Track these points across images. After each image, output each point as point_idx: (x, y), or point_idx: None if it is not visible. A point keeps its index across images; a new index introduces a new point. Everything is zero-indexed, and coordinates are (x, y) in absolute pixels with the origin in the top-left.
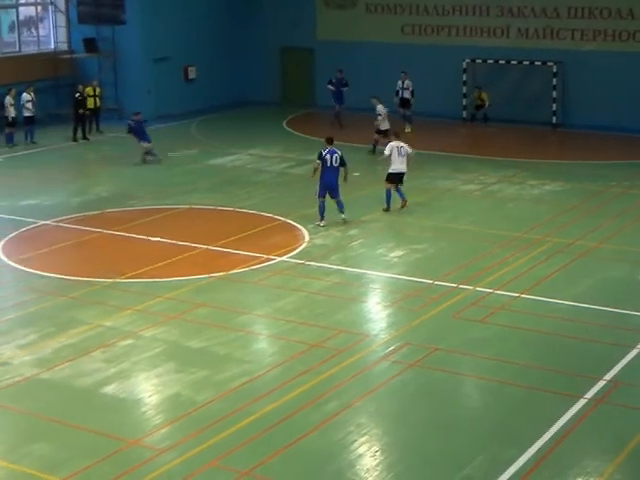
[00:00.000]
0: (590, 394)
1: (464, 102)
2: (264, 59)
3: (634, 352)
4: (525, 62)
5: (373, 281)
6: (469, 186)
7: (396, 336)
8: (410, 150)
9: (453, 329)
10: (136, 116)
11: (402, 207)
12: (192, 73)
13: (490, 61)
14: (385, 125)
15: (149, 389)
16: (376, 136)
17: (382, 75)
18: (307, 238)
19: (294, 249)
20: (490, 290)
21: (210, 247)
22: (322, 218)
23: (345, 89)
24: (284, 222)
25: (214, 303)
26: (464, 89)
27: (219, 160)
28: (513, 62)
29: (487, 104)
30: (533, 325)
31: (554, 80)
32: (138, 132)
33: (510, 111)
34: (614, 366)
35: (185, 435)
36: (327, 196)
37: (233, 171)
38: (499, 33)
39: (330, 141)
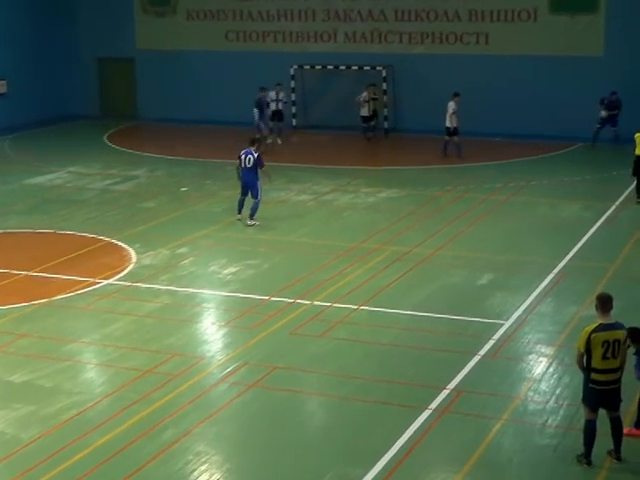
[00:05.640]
0: (434, 404)
1: (293, 110)
2: (80, 70)
3: (475, 359)
4: (354, 67)
5: (206, 300)
6: (302, 197)
7: (233, 357)
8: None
9: (292, 346)
10: None
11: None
12: (2, 87)
13: (318, 67)
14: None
15: None
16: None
17: (208, 84)
18: (134, 259)
19: (121, 271)
20: (328, 304)
21: (30, 273)
22: (238, 212)
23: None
24: (109, 242)
25: (38, 332)
26: (293, 96)
27: (36, 179)
28: (342, 67)
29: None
30: (374, 337)
31: (384, 84)
32: None
33: (341, 118)
34: (457, 374)
35: (11, 476)
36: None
37: (52, 190)
38: (326, 38)
39: (251, 142)
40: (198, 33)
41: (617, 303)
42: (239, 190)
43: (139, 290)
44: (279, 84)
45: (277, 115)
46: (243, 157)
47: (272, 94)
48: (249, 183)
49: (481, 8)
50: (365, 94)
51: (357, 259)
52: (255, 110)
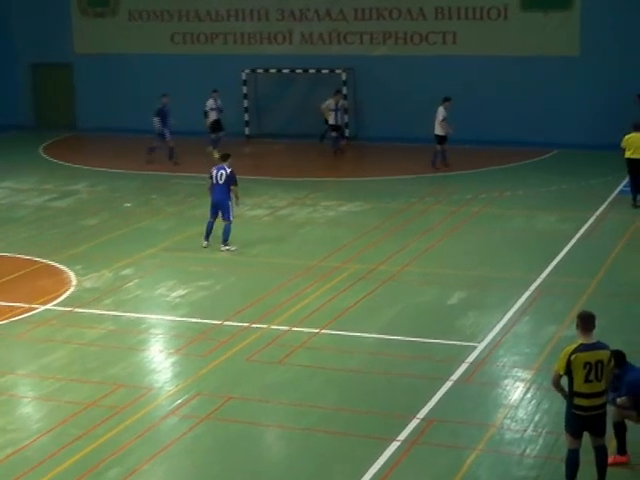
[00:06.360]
0: (403, 435)
1: (246, 117)
2: (12, 77)
3: (447, 385)
4: (311, 70)
5: (154, 326)
6: (257, 211)
7: (184, 387)
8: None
9: (248, 374)
10: None
11: None
12: None
13: (273, 70)
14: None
15: None
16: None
17: (153, 91)
18: (75, 281)
19: (60, 295)
20: (287, 327)
21: None
22: (206, 238)
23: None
24: (47, 264)
25: None
26: (245, 103)
27: None
28: (298, 71)
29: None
30: (337, 363)
31: (344, 89)
32: None
33: (298, 125)
34: (427, 402)
35: None
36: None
37: None
38: (281, 39)
39: (223, 157)
40: (141, 35)
41: (598, 322)
42: (208, 212)
43: (80, 316)
44: (215, 90)
45: (218, 125)
46: (215, 173)
47: (210, 102)
48: (220, 202)
49: (448, 5)
50: (331, 101)
51: (317, 278)
52: (156, 118)
